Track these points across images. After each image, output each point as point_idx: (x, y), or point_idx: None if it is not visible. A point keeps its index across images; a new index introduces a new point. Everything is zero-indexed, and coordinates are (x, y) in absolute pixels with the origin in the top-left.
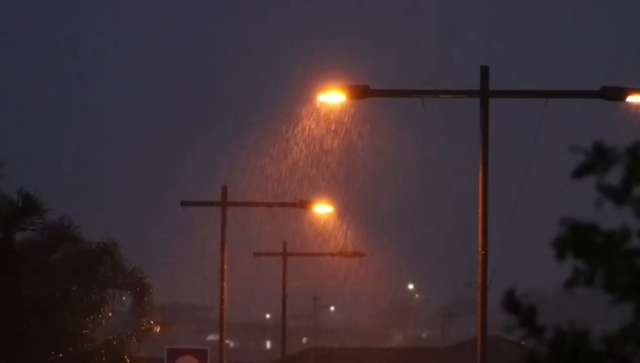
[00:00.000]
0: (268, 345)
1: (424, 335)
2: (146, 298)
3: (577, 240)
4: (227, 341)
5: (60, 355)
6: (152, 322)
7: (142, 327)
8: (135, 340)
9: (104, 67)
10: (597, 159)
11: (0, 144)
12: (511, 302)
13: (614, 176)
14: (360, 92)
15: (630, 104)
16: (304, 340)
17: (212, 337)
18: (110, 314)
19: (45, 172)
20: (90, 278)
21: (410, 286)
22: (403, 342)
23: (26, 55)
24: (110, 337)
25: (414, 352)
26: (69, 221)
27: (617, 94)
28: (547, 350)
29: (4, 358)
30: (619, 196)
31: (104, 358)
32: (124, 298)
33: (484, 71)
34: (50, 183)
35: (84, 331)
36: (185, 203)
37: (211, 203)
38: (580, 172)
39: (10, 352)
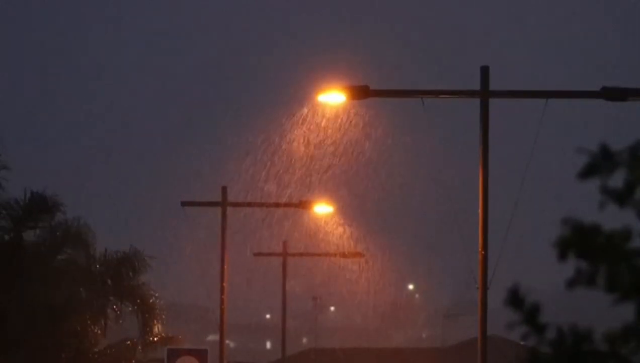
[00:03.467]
0: (268, 345)
1: (424, 335)
2: (149, 316)
3: (579, 240)
4: (227, 341)
5: (64, 356)
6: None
7: (147, 339)
8: (140, 349)
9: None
10: (603, 160)
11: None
12: (515, 298)
13: (616, 178)
14: (360, 92)
15: (630, 104)
16: (304, 340)
17: (212, 337)
18: (112, 321)
19: (45, 172)
20: (97, 284)
21: (411, 287)
22: (403, 342)
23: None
24: (113, 343)
25: (414, 352)
26: (82, 223)
27: (618, 94)
28: (548, 350)
29: (7, 358)
30: (621, 197)
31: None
32: (126, 307)
33: (484, 71)
34: (50, 183)
35: (89, 333)
36: (185, 203)
37: (211, 203)
38: (585, 173)
39: (13, 351)
